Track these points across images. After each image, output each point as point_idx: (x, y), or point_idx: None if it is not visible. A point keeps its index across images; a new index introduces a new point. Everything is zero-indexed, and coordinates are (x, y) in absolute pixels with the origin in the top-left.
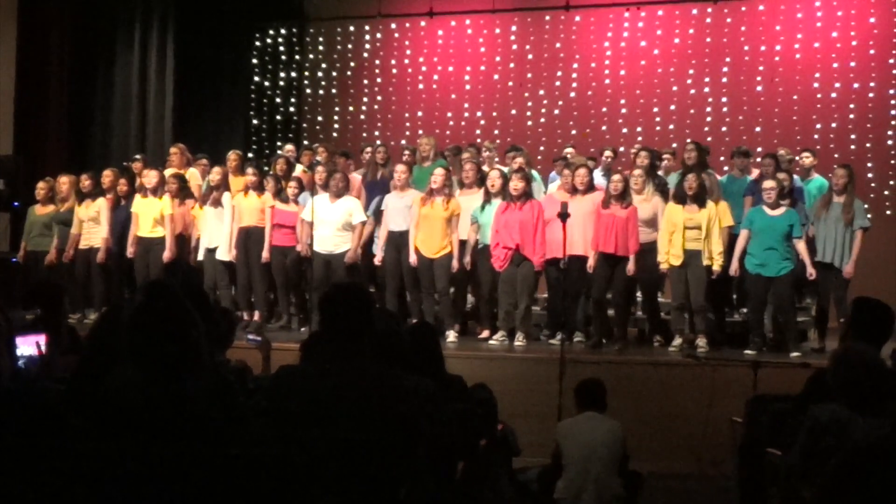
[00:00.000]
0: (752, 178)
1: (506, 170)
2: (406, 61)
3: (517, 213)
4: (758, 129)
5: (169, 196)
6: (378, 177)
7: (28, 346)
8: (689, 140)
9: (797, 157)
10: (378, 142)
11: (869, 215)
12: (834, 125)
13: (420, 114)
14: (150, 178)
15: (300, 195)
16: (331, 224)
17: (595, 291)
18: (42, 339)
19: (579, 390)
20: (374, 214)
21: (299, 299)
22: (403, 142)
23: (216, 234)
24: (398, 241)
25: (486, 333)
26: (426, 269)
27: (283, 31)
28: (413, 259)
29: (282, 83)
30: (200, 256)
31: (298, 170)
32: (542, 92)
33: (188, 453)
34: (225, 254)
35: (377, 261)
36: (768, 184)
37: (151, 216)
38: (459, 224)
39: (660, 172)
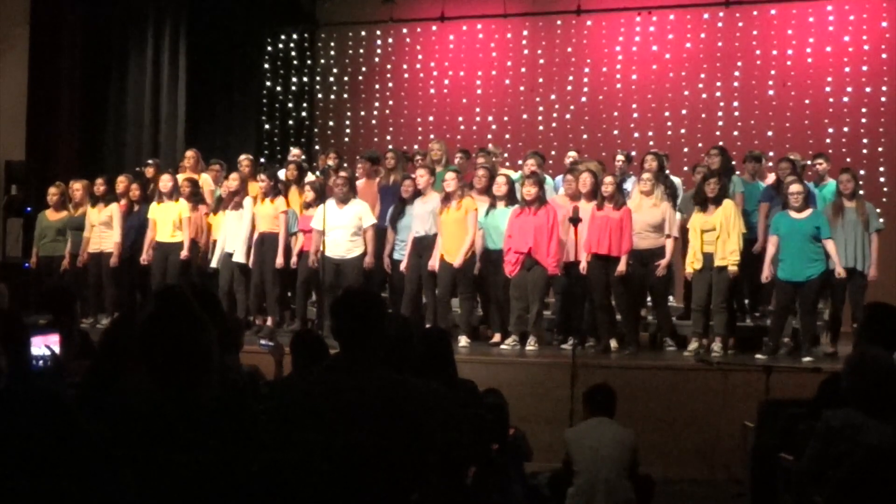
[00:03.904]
0: (770, 184)
1: (515, 175)
2: (418, 66)
3: (531, 217)
4: (769, 133)
5: (185, 199)
6: (391, 182)
7: (41, 347)
8: (714, 146)
9: (808, 162)
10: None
11: (882, 219)
12: (846, 129)
13: (431, 118)
14: (165, 182)
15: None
16: (342, 229)
17: (595, 296)
18: (55, 339)
19: (588, 396)
20: (389, 223)
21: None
22: (416, 147)
23: (235, 238)
24: (419, 245)
25: (497, 338)
26: (448, 274)
27: (294, 37)
28: (433, 265)
29: (294, 88)
30: (215, 263)
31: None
32: (553, 97)
33: (200, 459)
34: (241, 256)
35: (402, 267)
36: (794, 188)
37: (170, 220)
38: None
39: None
